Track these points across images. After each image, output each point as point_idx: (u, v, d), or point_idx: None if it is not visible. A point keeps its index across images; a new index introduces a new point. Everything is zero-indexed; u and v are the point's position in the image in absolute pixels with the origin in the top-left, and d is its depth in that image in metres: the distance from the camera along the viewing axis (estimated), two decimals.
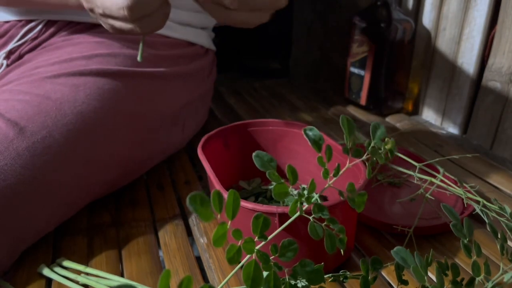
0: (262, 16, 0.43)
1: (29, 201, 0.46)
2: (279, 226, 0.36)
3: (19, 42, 0.60)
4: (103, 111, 0.52)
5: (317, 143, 0.37)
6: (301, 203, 0.35)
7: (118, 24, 0.42)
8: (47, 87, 0.51)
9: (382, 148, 0.40)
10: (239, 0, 0.39)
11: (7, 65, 0.60)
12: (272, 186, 0.41)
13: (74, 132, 0.50)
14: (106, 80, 0.54)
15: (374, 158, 0.40)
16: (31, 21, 0.61)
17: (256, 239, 0.32)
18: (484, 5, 0.73)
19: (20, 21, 0.61)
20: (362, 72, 0.89)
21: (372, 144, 0.39)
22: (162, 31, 0.65)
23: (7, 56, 0.61)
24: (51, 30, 0.61)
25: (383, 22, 0.83)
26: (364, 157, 0.40)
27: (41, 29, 0.61)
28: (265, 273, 0.32)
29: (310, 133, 0.38)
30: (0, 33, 0.61)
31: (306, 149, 0.60)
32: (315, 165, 0.58)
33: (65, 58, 0.55)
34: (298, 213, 0.35)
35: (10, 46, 0.60)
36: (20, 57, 0.61)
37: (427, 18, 0.83)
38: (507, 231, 0.43)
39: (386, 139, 0.40)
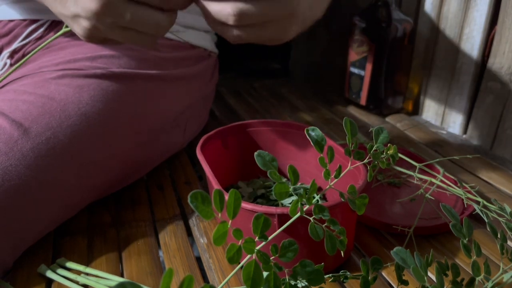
0: (272, 33, 0.42)
1: (32, 201, 0.46)
2: (278, 227, 0.36)
3: (23, 42, 0.60)
4: (106, 113, 0.53)
5: (319, 144, 0.37)
6: (302, 204, 0.35)
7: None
8: (51, 87, 0.51)
9: (385, 153, 0.40)
10: (237, 16, 0.38)
11: (11, 64, 0.60)
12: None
13: (78, 134, 0.50)
14: (110, 81, 0.54)
15: (376, 162, 0.40)
16: (35, 21, 0.61)
17: (256, 239, 0.32)
18: (484, 5, 0.73)
19: (24, 20, 0.61)
20: (362, 72, 0.89)
21: (374, 148, 0.39)
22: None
23: (11, 55, 0.61)
24: (56, 30, 0.61)
25: (383, 22, 0.83)
26: (366, 160, 0.40)
27: (45, 29, 0.61)
28: (265, 273, 0.32)
29: (312, 133, 0.38)
30: (4, 31, 0.61)
31: (305, 150, 0.60)
32: (314, 166, 0.59)
33: (69, 59, 0.55)
34: (298, 214, 0.35)
35: (14, 45, 0.60)
36: (24, 56, 0.61)
37: (427, 18, 0.83)
38: (507, 231, 0.43)
39: (389, 145, 0.40)
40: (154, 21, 0.41)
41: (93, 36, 0.43)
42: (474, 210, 0.50)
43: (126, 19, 0.40)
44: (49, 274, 0.46)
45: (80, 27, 0.43)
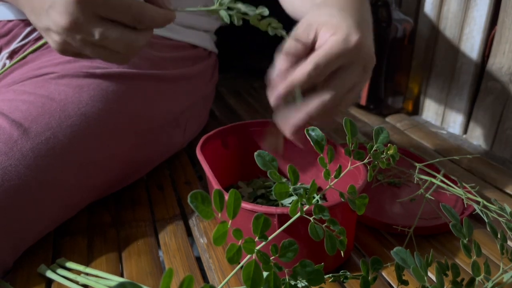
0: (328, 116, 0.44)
1: (32, 201, 0.46)
2: (278, 227, 0.36)
3: (22, 42, 0.60)
4: (106, 113, 0.53)
5: (319, 144, 0.37)
6: (302, 204, 0.35)
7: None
8: (51, 88, 0.51)
9: (385, 153, 0.40)
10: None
11: None
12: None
13: (78, 134, 0.50)
14: (110, 81, 0.54)
15: (376, 162, 0.40)
16: None
17: (256, 239, 0.32)
18: (484, 5, 0.73)
19: (23, 20, 0.61)
20: None
21: (374, 148, 0.39)
22: (165, 33, 0.65)
23: (10, 56, 0.61)
24: None
25: (383, 22, 0.83)
26: (366, 160, 0.40)
27: None
28: (265, 273, 0.32)
29: (312, 133, 0.38)
30: (3, 32, 0.61)
31: (305, 150, 0.60)
32: (313, 166, 0.59)
33: (69, 59, 0.55)
34: (298, 214, 0.35)
35: (13, 45, 0.60)
36: (23, 57, 0.61)
37: (427, 18, 0.83)
38: (507, 231, 0.43)
39: (388, 145, 0.40)
40: (125, 40, 0.40)
41: (65, 50, 0.43)
42: (474, 210, 0.50)
43: (95, 37, 0.40)
44: (49, 274, 0.46)
45: (52, 40, 0.43)
